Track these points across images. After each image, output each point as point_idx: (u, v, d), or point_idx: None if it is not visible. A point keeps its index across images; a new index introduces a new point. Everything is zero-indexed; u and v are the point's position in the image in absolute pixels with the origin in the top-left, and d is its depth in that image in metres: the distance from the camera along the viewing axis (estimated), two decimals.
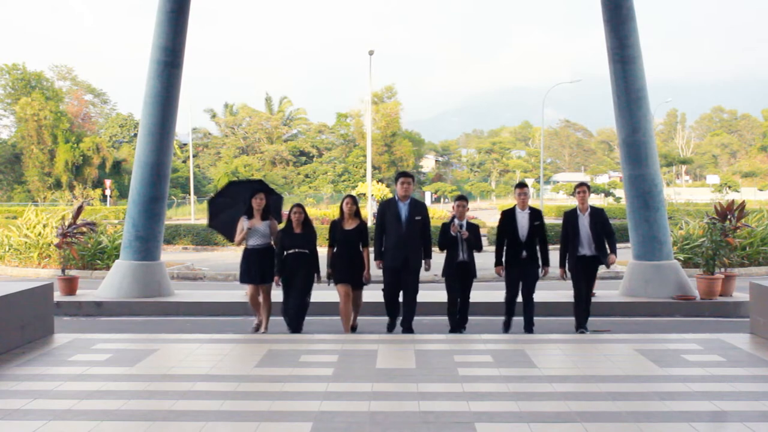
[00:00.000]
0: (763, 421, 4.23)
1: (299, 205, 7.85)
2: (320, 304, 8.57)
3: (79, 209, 10.96)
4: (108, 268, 11.22)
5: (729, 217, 9.80)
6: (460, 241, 7.62)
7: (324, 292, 8.53)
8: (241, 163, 58.94)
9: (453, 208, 7.79)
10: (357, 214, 7.75)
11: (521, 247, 7.59)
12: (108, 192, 45.31)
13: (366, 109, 48.91)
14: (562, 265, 7.83)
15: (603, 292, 9.82)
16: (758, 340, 6.65)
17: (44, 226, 14.62)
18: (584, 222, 7.80)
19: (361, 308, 7.92)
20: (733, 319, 8.70)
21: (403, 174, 7.82)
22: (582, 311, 7.78)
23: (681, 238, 13.33)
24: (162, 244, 10.46)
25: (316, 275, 7.64)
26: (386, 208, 7.73)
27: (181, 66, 10.20)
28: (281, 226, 7.88)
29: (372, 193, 33.02)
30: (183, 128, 57.23)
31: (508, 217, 7.82)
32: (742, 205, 10.03)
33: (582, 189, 7.93)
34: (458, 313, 7.64)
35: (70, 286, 10.15)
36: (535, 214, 7.77)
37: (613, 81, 9.93)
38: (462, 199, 7.87)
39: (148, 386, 5.08)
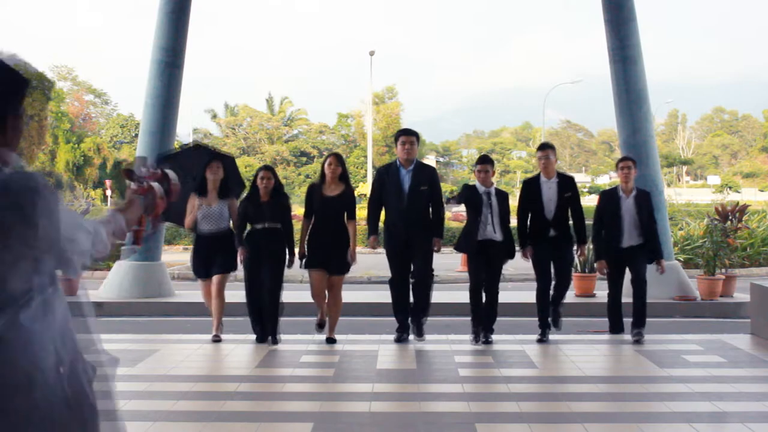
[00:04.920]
0: (764, 422, 4.22)
1: (268, 168, 6.35)
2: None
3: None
4: (108, 268, 11.20)
5: (730, 218, 9.81)
6: (486, 205, 6.09)
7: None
8: (242, 164, 58.92)
9: (474, 173, 6.37)
10: (343, 177, 6.30)
11: (548, 225, 6.25)
12: (109, 192, 45.33)
13: (367, 110, 48.91)
14: (598, 258, 6.60)
15: (603, 292, 9.78)
16: (759, 340, 6.64)
17: None
18: (629, 206, 6.35)
19: (341, 309, 6.54)
20: (734, 320, 8.69)
21: (404, 132, 6.33)
22: (617, 315, 6.66)
23: (682, 238, 13.32)
24: (163, 245, 10.46)
25: (288, 258, 6.26)
26: (385, 175, 6.32)
27: (182, 66, 10.20)
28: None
29: None
30: (184, 129, 57.25)
31: (530, 187, 6.40)
32: (743, 206, 10.07)
33: (626, 164, 6.45)
34: (485, 310, 6.31)
35: (71, 286, 10.12)
36: (566, 183, 6.35)
37: (613, 82, 9.93)
38: (485, 162, 6.31)
39: (149, 387, 5.08)
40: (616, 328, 6.81)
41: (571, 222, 6.54)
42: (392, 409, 4.55)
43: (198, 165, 6.33)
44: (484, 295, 6.41)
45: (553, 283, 6.57)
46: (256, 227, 6.21)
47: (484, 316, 6.36)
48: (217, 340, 6.54)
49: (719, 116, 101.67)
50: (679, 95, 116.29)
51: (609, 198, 6.53)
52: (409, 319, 6.48)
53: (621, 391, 4.97)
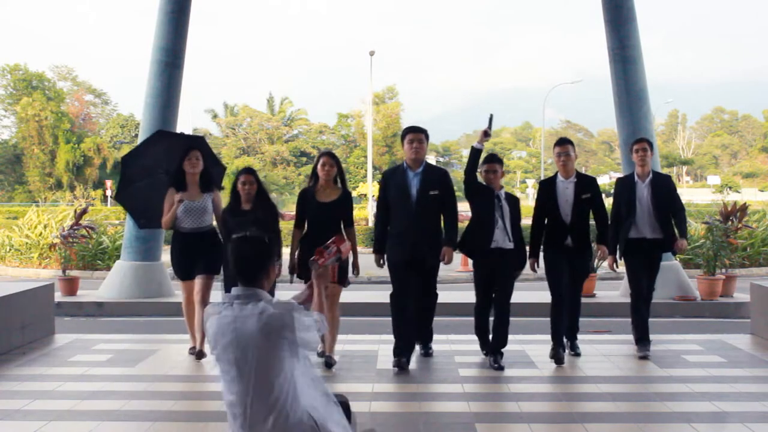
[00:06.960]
0: (763, 422, 4.23)
1: (249, 171, 5.57)
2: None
3: (84, 211, 10.96)
4: (109, 268, 11.21)
5: (732, 218, 9.81)
6: (497, 208, 5.46)
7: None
8: (242, 164, 58.98)
9: (481, 174, 5.64)
10: (339, 179, 5.59)
11: (565, 231, 5.60)
12: (109, 192, 45.31)
13: (367, 110, 48.88)
14: (612, 251, 5.94)
15: (603, 292, 9.82)
16: (759, 340, 6.64)
17: (45, 226, 14.63)
18: (644, 192, 5.79)
19: (339, 326, 5.68)
20: (734, 320, 8.69)
21: (412, 129, 5.49)
22: (641, 318, 5.88)
23: None
24: (163, 245, 10.46)
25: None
26: (390, 179, 5.57)
27: (182, 66, 10.21)
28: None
29: (373, 194, 32.99)
30: (184, 129, 57.09)
31: (546, 189, 5.77)
32: (744, 206, 10.08)
33: (641, 146, 5.86)
34: (493, 329, 5.62)
35: (71, 286, 10.16)
36: (585, 184, 5.70)
37: (613, 82, 9.93)
38: (493, 161, 5.59)
39: (149, 387, 5.08)
40: (641, 335, 5.95)
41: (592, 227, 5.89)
42: (392, 409, 4.55)
43: (170, 154, 5.78)
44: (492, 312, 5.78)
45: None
46: (235, 237, 5.51)
47: (494, 337, 5.65)
48: (201, 356, 5.71)
49: (719, 116, 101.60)
50: (679, 95, 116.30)
51: (624, 184, 6.02)
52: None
53: (621, 391, 4.96)
